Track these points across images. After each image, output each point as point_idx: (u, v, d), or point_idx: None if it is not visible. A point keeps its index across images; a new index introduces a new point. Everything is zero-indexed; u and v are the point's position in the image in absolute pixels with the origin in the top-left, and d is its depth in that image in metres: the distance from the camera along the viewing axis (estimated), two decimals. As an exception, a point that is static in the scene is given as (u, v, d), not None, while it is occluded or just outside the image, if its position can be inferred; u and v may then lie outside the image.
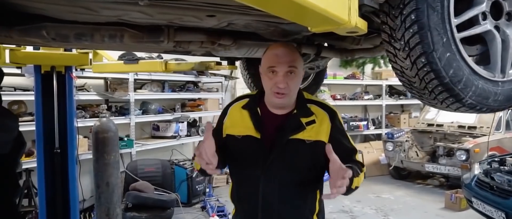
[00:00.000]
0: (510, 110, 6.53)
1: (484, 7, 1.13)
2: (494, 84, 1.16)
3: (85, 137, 4.52)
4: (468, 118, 6.52)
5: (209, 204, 5.02)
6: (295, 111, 1.50)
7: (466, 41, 1.19)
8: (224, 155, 1.49)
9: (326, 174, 1.49)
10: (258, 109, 1.53)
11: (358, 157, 1.55)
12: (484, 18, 1.15)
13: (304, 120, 1.47)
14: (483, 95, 1.14)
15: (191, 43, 1.68)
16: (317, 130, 1.47)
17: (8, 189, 1.91)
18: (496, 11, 1.19)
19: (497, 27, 1.18)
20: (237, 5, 1.17)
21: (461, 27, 1.14)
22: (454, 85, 1.08)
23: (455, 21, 1.09)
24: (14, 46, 2.52)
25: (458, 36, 1.10)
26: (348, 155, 1.49)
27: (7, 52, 2.60)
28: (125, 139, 5.02)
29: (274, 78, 1.42)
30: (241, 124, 1.53)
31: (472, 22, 1.15)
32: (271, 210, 1.48)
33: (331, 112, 1.52)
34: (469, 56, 1.21)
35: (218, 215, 4.61)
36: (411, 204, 5.60)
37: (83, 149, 4.36)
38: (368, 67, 9.11)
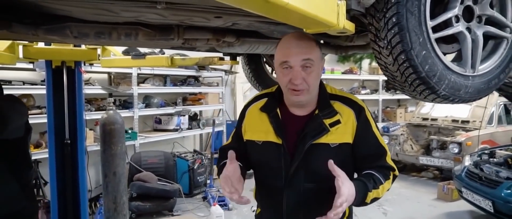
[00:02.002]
0: (502, 105, 6.70)
1: (456, 11, 1.29)
2: (465, 78, 1.33)
3: (91, 129, 4.67)
4: (461, 112, 6.66)
5: (210, 195, 5.18)
6: (317, 112, 1.37)
7: (443, 40, 1.36)
8: (247, 159, 1.47)
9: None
10: (278, 110, 1.41)
11: (388, 159, 1.39)
12: (457, 21, 1.31)
13: (327, 122, 1.34)
14: (455, 87, 1.30)
15: (198, 40, 1.83)
16: (343, 131, 1.35)
17: (26, 170, 2.08)
18: (469, 14, 1.35)
19: (468, 29, 1.34)
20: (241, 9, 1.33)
21: (438, 28, 1.30)
22: (430, 79, 1.25)
23: (430, 24, 1.25)
24: (26, 42, 2.66)
25: (433, 36, 1.26)
26: (374, 158, 1.38)
27: (20, 48, 2.73)
28: (129, 131, 5.17)
29: (289, 74, 1.31)
30: (260, 128, 1.42)
31: (447, 24, 1.31)
32: None
33: (358, 108, 1.39)
34: (446, 53, 1.38)
35: (219, 205, 4.77)
36: (405, 195, 5.78)
37: (89, 141, 4.49)
38: (365, 62, 9.28)
